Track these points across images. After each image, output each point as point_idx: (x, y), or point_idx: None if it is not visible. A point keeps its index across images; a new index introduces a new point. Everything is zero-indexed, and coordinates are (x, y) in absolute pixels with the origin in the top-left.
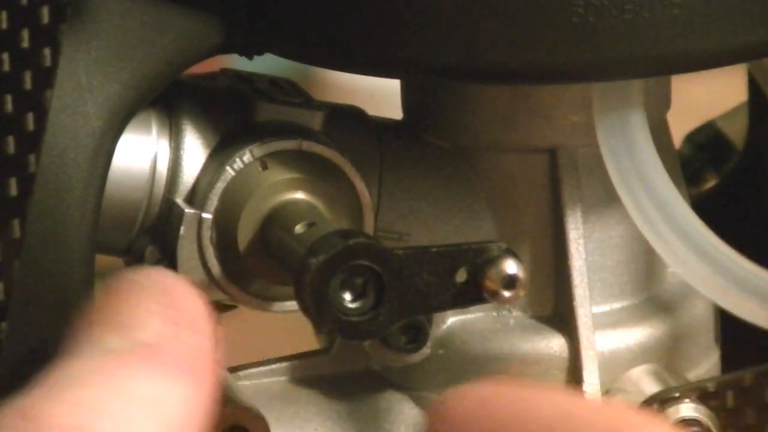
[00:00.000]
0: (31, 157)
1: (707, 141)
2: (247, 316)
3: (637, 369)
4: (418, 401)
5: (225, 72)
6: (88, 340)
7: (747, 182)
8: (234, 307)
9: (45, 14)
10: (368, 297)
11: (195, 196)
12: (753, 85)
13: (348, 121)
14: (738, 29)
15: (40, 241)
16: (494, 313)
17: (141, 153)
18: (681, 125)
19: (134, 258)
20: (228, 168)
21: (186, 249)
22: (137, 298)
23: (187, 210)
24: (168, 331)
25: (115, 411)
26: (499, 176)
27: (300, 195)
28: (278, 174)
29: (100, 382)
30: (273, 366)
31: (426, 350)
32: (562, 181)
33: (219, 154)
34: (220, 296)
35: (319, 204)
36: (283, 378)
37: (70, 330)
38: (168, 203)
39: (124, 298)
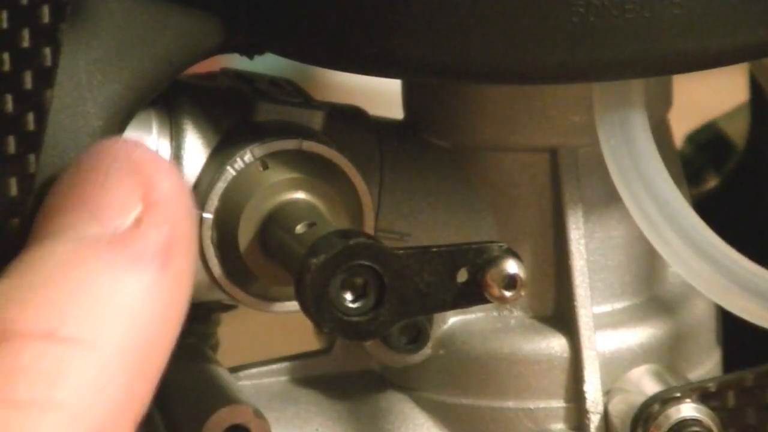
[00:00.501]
0: (32, 157)
1: (708, 141)
2: (247, 316)
3: (638, 369)
4: (419, 401)
5: (225, 72)
6: (61, 227)
7: (748, 182)
8: (234, 307)
9: (45, 14)
10: (369, 297)
11: (195, 196)
12: (754, 85)
13: (348, 121)
14: (738, 29)
15: None
16: (495, 314)
17: None
18: (682, 125)
19: None
20: (228, 168)
21: None
22: (111, 178)
23: None
24: (142, 215)
25: (84, 314)
26: (500, 176)
27: (300, 195)
28: (279, 174)
29: (70, 280)
30: (273, 366)
31: (427, 350)
32: (563, 181)
33: (219, 153)
34: (221, 296)
35: (319, 204)
36: (283, 378)
37: (43, 211)
38: None
39: (96, 178)
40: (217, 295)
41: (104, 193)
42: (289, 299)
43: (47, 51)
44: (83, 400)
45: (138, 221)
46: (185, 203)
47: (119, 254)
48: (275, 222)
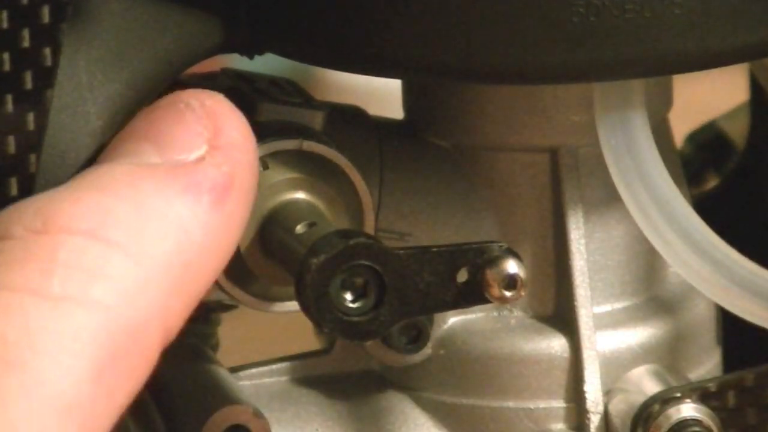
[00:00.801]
0: (32, 157)
1: (708, 141)
2: (247, 316)
3: (638, 369)
4: (419, 401)
5: (225, 72)
6: (123, 152)
7: (748, 182)
8: (234, 307)
9: (45, 14)
10: (369, 297)
11: None
12: (754, 85)
13: (348, 120)
14: (738, 29)
15: None
16: (495, 313)
17: None
18: (682, 125)
19: None
20: None
21: None
22: (181, 116)
23: None
24: (205, 153)
25: (129, 222)
26: (500, 176)
27: (301, 195)
28: (279, 174)
29: (123, 192)
30: (273, 366)
31: (427, 350)
32: (564, 180)
33: None
34: (221, 296)
35: (319, 204)
36: (283, 378)
37: (112, 142)
38: None
39: (167, 115)
40: (217, 295)
41: (172, 130)
42: (289, 299)
43: (47, 51)
44: (118, 302)
45: (200, 159)
46: (250, 155)
47: (175, 180)
48: (275, 222)
